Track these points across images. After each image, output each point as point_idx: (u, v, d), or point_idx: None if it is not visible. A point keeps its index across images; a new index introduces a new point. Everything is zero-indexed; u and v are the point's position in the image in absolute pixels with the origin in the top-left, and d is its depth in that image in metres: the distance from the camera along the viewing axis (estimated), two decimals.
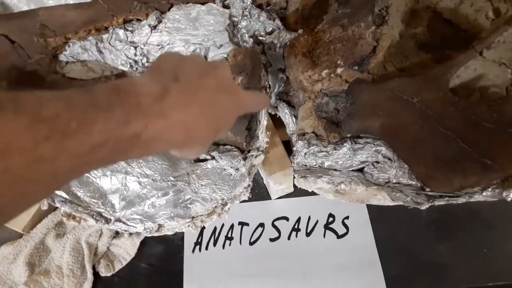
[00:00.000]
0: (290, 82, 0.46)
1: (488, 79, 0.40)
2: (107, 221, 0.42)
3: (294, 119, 0.49)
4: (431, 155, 0.36)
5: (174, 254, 0.50)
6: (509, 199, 0.34)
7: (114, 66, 0.50)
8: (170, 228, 0.42)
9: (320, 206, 0.53)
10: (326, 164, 0.43)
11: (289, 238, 0.51)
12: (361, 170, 0.41)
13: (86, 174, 0.42)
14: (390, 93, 0.38)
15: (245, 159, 0.44)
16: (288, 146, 0.50)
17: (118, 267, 0.48)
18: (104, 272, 0.48)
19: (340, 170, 0.42)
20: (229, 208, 0.43)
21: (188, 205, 0.42)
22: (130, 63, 0.49)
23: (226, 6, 0.48)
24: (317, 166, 0.44)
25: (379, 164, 0.39)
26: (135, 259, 0.49)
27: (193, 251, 0.50)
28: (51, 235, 0.49)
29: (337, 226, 0.51)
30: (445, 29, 0.45)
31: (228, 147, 0.45)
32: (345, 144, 0.41)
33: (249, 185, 0.44)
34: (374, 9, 0.42)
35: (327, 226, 0.51)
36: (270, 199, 0.54)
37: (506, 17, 0.40)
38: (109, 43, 0.49)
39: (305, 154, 0.44)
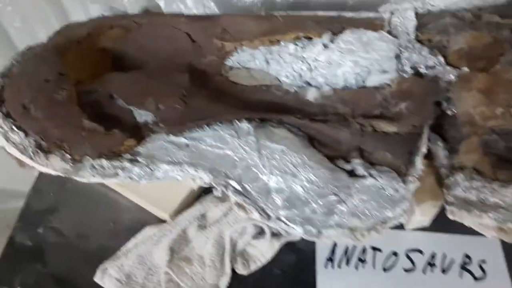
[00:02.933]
0: (456, 116, 0.47)
1: None
2: (269, 217, 0.44)
3: (445, 152, 0.49)
4: None
5: (307, 265, 0.50)
6: None
7: (277, 77, 0.54)
8: (328, 236, 0.43)
9: (455, 245, 0.52)
10: (491, 200, 0.42)
11: (424, 272, 0.50)
12: None
13: (255, 170, 0.44)
14: None
15: (404, 182, 0.45)
16: None
17: (253, 267, 0.49)
18: (241, 269, 0.49)
19: (506, 208, 0.41)
20: (388, 228, 0.43)
21: (348, 217, 0.43)
22: (294, 75, 0.53)
23: (393, 35, 0.51)
24: (477, 201, 0.43)
25: None
26: (269, 263, 0.50)
27: (325, 266, 0.50)
28: (194, 225, 0.51)
29: (474, 268, 0.50)
30: None
31: (385, 168, 0.46)
32: None
33: (408, 209, 0.44)
34: None
35: (463, 267, 0.50)
36: (404, 229, 0.53)
37: None
38: (279, 55, 0.52)
39: (465, 187, 0.44)
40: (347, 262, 0.51)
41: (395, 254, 0.51)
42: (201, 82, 0.52)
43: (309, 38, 0.52)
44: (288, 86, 0.53)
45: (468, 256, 0.51)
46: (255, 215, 0.43)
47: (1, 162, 0.51)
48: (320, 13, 0.54)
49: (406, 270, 0.50)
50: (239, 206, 0.43)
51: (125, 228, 0.54)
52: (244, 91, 0.53)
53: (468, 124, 0.46)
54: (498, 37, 0.47)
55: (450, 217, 0.46)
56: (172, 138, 0.45)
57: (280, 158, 0.45)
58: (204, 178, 0.43)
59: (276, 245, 0.50)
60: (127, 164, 0.42)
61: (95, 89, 0.46)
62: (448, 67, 0.50)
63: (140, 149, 0.44)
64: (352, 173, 0.46)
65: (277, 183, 0.44)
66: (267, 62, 0.54)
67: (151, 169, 0.43)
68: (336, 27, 0.51)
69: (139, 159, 0.43)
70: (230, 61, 0.55)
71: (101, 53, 0.53)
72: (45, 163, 0.42)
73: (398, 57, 0.51)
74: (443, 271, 0.50)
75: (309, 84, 0.53)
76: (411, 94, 0.48)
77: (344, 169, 0.46)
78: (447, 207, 0.47)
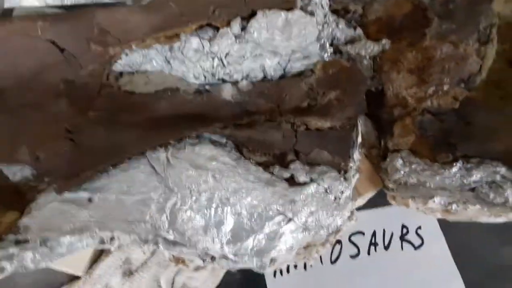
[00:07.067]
0: (387, 98, 0.44)
1: None
2: (213, 259, 0.37)
3: (375, 133, 0.47)
4: None
5: (255, 281, 0.47)
6: None
7: (183, 78, 0.44)
8: (281, 262, 0.39)
9: (392, 217, 0.52)
10: (432, 183, 0.42)
11: (369, 253, 0.50)
12: (472, 189, 0.41)
13: (187, 208, 0.37)
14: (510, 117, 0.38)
15: (345, 179, 0.42)
16: None
17: None
18: None
19: (448, 190, 0.41)
20: (340, 235, 0.41)
21: (299, 235, 0.39)
22: (206, 75, 0.44)
23: (310, 13, 0.44)
24: (418, 185, 0.43)
25: (495, 184, 0.39)
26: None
27: (274, 275, 0.47)
28: (118, 274, 0.43)
29: (412, 237, 0.51)
30: None
31: (325, 168, 0.42)
32: (456, 164, 0.40)
33: (354, 209, 0.42)
34: (479, 27, 0.41)
35: (403, 238, 0.51)
36: None
37: None
38: (181, 52, 0.42)
39: (405, 172, 0.43)
40: (295, 265, 0.48)
41: (338, 242, 0.50)
42: (86, 103, 0.40)
43: (215, 27, 0.43)
44: (198, 85, 0.45)
45: (405, 226, 0.52)
46: (198, 262, 0.37)
47: None
48: None
49: (352, 257, 0.50)
50: (177, 260, 0.36)
51: None
52: (144, 102, 0.43)
53: (400, 106, 0.43)
54: (418, 4, 0.44)
55: (392, 203, 0.46)
56: (68, 195, 0.34)
57: (213, 187, 0.38)
58: (124, 239, 0.34)
59: (220, 274, 0.45)
60: (13, 250, 0.31)
61: None
62: (369, 42, 0.46)
63: (26, 221, 0.33)
64: (291, 180, 0.42)
65: (215, 217, 0.37)
66: (168, 62, 0.43)
67: (48, 247, 0.32)
68: (244, 11, 0.42)
69: (29, 237, 0.32)
70: (118, 66, 0.43)
71: None
72: None
73: (318, 38, 0.45)
74: (386, 247, 0.51)
75: (223, 80, 0.45)
76: (339, 81, 0.43)
77: (282, 178, 0.41)
78: (388, 193, 0.46)
